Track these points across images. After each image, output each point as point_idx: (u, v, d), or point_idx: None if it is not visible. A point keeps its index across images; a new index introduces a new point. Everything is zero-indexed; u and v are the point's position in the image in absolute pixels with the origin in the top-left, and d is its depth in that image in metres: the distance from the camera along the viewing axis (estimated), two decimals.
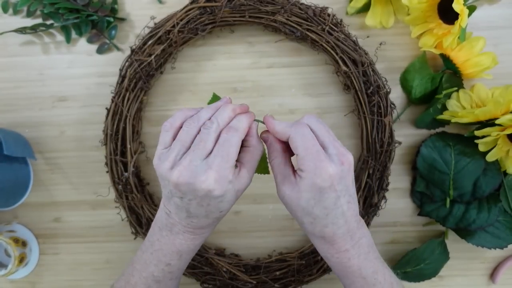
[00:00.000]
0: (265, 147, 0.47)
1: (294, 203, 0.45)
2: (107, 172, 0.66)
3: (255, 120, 0.46)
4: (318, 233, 0.45)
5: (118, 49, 0.69)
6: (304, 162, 0.42)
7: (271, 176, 0.68)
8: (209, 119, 0.43)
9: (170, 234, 0.46)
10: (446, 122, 0.64)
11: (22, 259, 0.68)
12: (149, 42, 0.64)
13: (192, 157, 0.41)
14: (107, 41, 0.68)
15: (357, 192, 0.64)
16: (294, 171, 0.45)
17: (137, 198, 0.65)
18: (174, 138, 0.44)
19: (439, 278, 0.68)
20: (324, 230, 0.44)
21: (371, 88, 0.62)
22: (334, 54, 0.63)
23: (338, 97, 0.67)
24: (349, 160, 0.43)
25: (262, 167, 0.48)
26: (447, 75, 0.64)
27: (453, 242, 0.66)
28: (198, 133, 0.43)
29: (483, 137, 0.59)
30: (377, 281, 0.47)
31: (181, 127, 0.44)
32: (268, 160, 0.48)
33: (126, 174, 0.64)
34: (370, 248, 0.47)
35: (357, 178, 0.65)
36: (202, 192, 0.41)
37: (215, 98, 0.48)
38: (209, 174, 0.41)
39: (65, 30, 0.68)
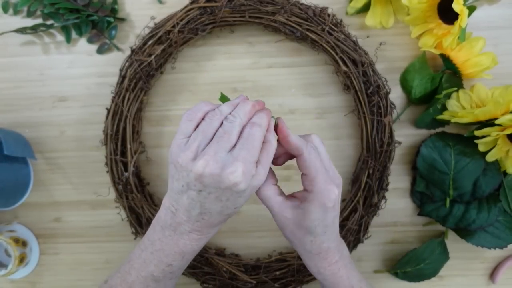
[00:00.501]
0: None
1: (296, 225, 0.46)
2: (107, 172, 0.66)
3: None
4: (315, 250, 0.47)
5: (118, 49, 0.69)
6: (314, 183, 0.44)
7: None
8: (230, 114, 0.43)
9: (173, 234, 0.44)
10: (446, 122, 0.64)
11: (22, 259, 0.68)
12: (149, 42, 0.64)
13: (217, 149, 0.40)
14: (107, 41, 0.68)
15: (357, 192, 0.64)
16: (286, 196, 0.47)
17: (137, 198, 0.65)
18: (195, 128, 0.43)
19: (439, 278, 0.68)
20: (321, 246, 0.46)
21: (371, 88, 0.62)
22: (334, 54, 0.63)
23: (338, 97, 0.67)
24: (341, 182, 0.46)
25: None
26: (447, 75, 0.64)
27: (453, 242, 0.66)
28: (220, 126, 0.42)
29: (483, 137, 0.59)
30: None
31: (202, 119, 0.43)
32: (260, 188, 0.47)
33: (126, 174, 0.64)
34: (350, 259, 0.51)
35: (357, 178, 0.65)
36: (226, 184, 0.40)
37: (223, 98, 0.47)
38: (237, 166, 0.40)
39: (65, 30, 0.68)
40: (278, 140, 0.46)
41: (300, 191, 0.47)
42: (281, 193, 0.48)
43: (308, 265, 0.49)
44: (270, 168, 0.47)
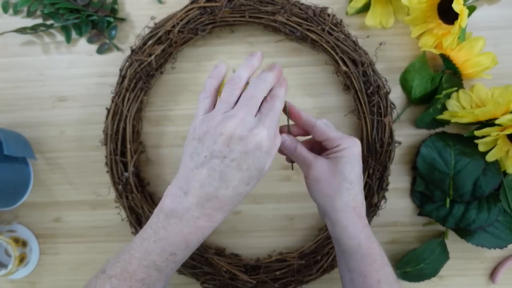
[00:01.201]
0: None
1: (332, 172, 0.49)
2: (107, 172, 0.66)
3: None
4: (352, 203, 0.49)
5: (118, 49, 0.69)
6: (342, 140, 0.49)
7: (271, 176, 0.68)
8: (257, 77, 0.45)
9: (179, 222, 0.43)
10: (446, 122, 0.64)
11: (22, 259, 0.68)
12: (149, 42, 0.64)
13: (246, 112, 0.42)
14: (107, 41, 0.68)
15: None
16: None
17: (137, 198, 0.65)
18: (213, 104, 0.45)
19: (439, 278, 0.68)
20: (356, 198, 0.49)
21: (371, 88, 0.62)
22: (334, 54, 0.63)
23: (338, 97, 0.68)
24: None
25: None
26: (447, 75, 0.64)
27: (453, 242, 0.66)
28: (241, 93, 0.44)
29: (483, 137, 0.59)
30: (385, 259, 0.50)
31: (216, 93, 0.46)
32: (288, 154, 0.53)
33: (126, 174, 0.64)
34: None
35: None
36: (252, 145, 0.41)
37: None
38: (263, 128, 0.42)
39: (65, 30, 0.68)
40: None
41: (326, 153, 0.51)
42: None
43: (344, 227, 0.49)
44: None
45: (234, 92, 0.43)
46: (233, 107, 0.43)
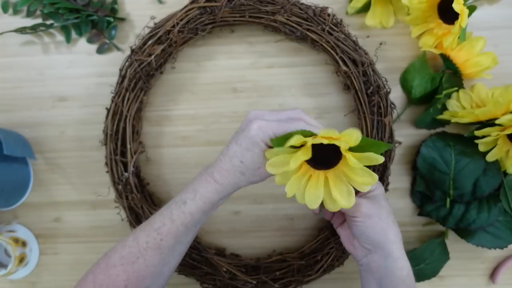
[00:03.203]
0: None
1: (377, 207, 0.53)
2: (107, 172, 0.66)
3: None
4: (399, 233, 0.54)
5: (118, 49, 0.69)
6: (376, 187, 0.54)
7: (271, 177, 0.68)
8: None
9: (198, 177, 0.50)
10: (446, 122, 0.64)
11: (22, 259, 0.68)
12: (149, 42, 0.64)
13: (269, 112, 0.48)
14: (107, 41, 0.68)
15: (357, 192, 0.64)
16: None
17: (137, 198, 0.64)
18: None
19: (439, 278, 0.68)
20: (399, 230, 0.54)
21: (371, 88, 0.62)
22: (334, 54, 0.63)
23: (338, 97, 0.67)
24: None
25: (281, 143, 0.46)
26: (447, 75, 0.64)
27: (453, 242, 0.66)
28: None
29: (483, 137, 0.59)
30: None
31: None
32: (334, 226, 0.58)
33: (126, 174, 0.64)
34: None
35: None
36: (246, 128, 0.46)
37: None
38: (261, 122, 0.46)
39: (65, 30, 0.68)
40: None
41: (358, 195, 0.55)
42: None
43: (398, 258, 0.52)
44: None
45: (277, 112, 0.49)
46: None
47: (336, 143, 0.42)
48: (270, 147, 0.46)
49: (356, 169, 0.44)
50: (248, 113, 0.48)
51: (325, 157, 0.46)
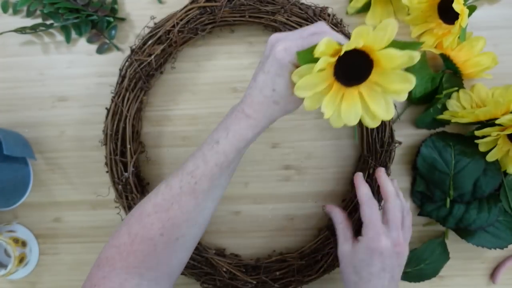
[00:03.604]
0: None
1: (348, 261, 0.55)
2: (107, 172, 0.66)
3: None
4: None
5: (118, 49, 0.69)
6: (366, 230, 0.54)
7: (271, 176, 0.68)
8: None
9: (229, 115, 0.47)
10: (446, 122, 0.64)
11: (22, 259, 0.68)
12: (149, 42, 0.63)
13: (290, 32, 0.45)
14: (107, 41, 0.68)
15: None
16: (354, 236, 0.57)
17: (137, 198, 0.64)
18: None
19: (439, 278, 0.68)
20: None
21: None
22: None
23: None
24: (402, 249, 0.53)
25: (308, 58, 0.42)
26: (447, 75, 0.64)
27: (453, 242, 0.66)
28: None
29: (483, 137, 0.59)
30: None
31: None
32: (334, 224, 0.59)
33: (126, 174, 0.64)
34: None
35: None
36: (271, 53, 0.43)
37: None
38: (286, 43, 0.43)
39: (65, 30, 0.68)
40: None
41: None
42: (351, 231, 0.58)
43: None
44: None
45: (300, 30, 0.45)
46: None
47: (368, 46, 0.40)
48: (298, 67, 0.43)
49: (391, 74, 0.42)
50: (268, 38, 0.45)
51: (355, 70, 0.43)
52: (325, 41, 0.40)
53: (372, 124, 0.45)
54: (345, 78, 0.43)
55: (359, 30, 0.39)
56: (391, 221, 0.54)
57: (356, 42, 0.39)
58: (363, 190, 0.56)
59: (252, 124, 0.46)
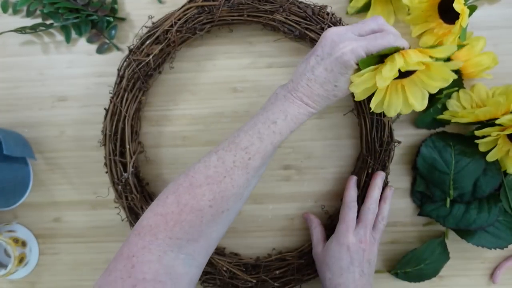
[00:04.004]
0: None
1: (322, 259, 0.61)
2: (106, 172, 0.66)
3: None
4: None
5: (118, 49, 0.69)
6: (338, 227, 0.61)
7: (271, 176, 0.68)
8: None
9: (283, 100, 0.50)
10: (446, 122, 0.64)
11: (21, 259, 0.68)
12: (147, 42, 0.63)
13: (349, 28, 0.49)
14: (107, 41, 0.68)
15: (357, 190, 0.64)
16: (326, 239, 0.63)
17: (137, 198, 0.64)
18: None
19: (439, 278, 0.68)
20: None
21: None
22: None
23: None
24: (367, 246, 0.59)
25: (370, 63, 0.48)
26: None
27: (453, 242, 0.65)
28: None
29: (483, 137, 0.59)
30: None
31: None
32: (309, 229, 0.66)
33: (125, 174, 0.64)
34: None
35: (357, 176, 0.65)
36: (336, 53, 0.47)
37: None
38: (351, 44, 0.47)
39: (65, 30, 0.68)
40: None
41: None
42: (325, 235, 0.64)
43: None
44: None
45: (360, 26, 0.49)
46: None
47: (429, 62, 0.46)
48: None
49: (435, 73, 0.48)
50: (323, 36, 0.49)
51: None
52: (399, 61, 0.46)
53: (405, 111, 0.52)
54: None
55: (418, 57, 0.46)
56: (361, 221, 0.60)
57: (420, 67, 0.46)
58: (350, 193, 0.62)
59: (310, 111, 0.51)
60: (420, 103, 0.51)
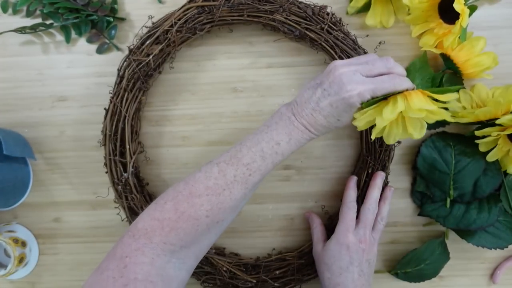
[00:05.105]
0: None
1: (321, 258, 0.61)
2: (106, 173, 0.66)
3: None
4: None
5: (118, 49, 0.68)
6: (338, 227, 0.61)
7: (271, 176, 0.68)
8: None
9: (288, 122, 0.52)
10: (447, 122, 0.64)
11: (21, 259, 0.68)
12: (147, 42, 0.63)
13: (358, 69, 0.50)
14: (107, 41, 0.68)
15: (357, 190, 0.64)
16: (326, 239, 0.63)
17: (137, 198, 0.64)
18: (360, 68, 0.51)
19: (440, 278, 0.68)
20: None
21: None
22: (333, 53, 0.62)
23: None
24: (367, 246, 0.59)
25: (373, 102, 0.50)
26: (447, 75, 0.64)
27: (453, 242, 0.65)
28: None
29: (483, 137, 0.59)
30: None
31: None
32: (311, 228, 0.66)
33: (125, 174, 0.64)
34: None
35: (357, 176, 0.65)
36: (343, 94, 0.48)
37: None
38: (359, 87, 0.48)
39: (65, 30, 0.68)
40: None
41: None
42: (325, 234, 0.64)
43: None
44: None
45: (368, 67, 0.50)
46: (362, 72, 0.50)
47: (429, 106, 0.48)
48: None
49: (437, 112, 0.49)
50: (333, 68, 0.50)
51: None
52: (398, 107, 0.47)
53: (402, 137, 0.53)
54: None
55: (421, 103, 0.47)
56: (361, 221, 0.60)
57: (422, 114, 0.47)
58: (350, 193, 0.62)
59: (312, 137, 0.52)
60: (418, 133, 0.52)
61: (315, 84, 0.51)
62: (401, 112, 0.48)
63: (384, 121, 0.48)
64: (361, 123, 0.51)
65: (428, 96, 0.49)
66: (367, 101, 0.49)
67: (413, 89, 0.50)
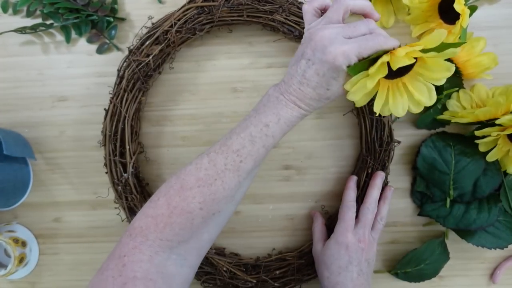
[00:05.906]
0: None
1: (320, 257, 0.61)
2: (106, 173, 0.66)
3: None
4: None
5: (118, 49, 0.69)
6: (337, 226, 0.61)
7: (271, 176, 0.68)
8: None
9: (276, 102, 0.49)
10: (447, 122, 0.64)
11: (21, 259, 0.68)
12: (147, 42, 0.63)
13: (340, 31, 0.46)
14: (107, 41, 0.68)
15: (357, 190, 0.64)
16: (326, 239, 0.63)
17: (137, 199, 0.64)
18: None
19: (439, 278, 0.68)
20: (335, 287, 0.58)
21: None
22: None
23: None
24: (366, 245, 0.59)
25: (360, 68, 0.47)
26: None
27: (453, 242, 0.65)
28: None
29: (483, 137, 0.59)
30: None
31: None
32: (312, 226, 0.66)
33: (125, 175, 0.64)
34: None
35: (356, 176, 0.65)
36: (327, 57, 0.45)
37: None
38: (342, 47, 0.45)
39: (65, 30, 0.68)
40: None
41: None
42: (326, 233, 0.65)
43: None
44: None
45: (339, 11, 0.48)
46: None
47: (417, 53, 0.44)
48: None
49: (433, 65, 0.46)
50: (312, 34, 0.47)
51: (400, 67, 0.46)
52: (380, 64, 0.45)
53: (416, 110, 0.50)
54: (390, 74, 0.47)
55: (405, 49, 0.44)
56: (360, 221, 0.60)
57: (408, 59, 0.44)
58: (349, 193, 0.62)
59: (303, 113, 0.50)
60: (427, 97, 0.49)
61: (298, 57, 0.49)
62: (399, 77, 0.47)
63: (372, 79, 0.45)
64: (356, 96, 0.48)
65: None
66: (354, 64, 0.46)
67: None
